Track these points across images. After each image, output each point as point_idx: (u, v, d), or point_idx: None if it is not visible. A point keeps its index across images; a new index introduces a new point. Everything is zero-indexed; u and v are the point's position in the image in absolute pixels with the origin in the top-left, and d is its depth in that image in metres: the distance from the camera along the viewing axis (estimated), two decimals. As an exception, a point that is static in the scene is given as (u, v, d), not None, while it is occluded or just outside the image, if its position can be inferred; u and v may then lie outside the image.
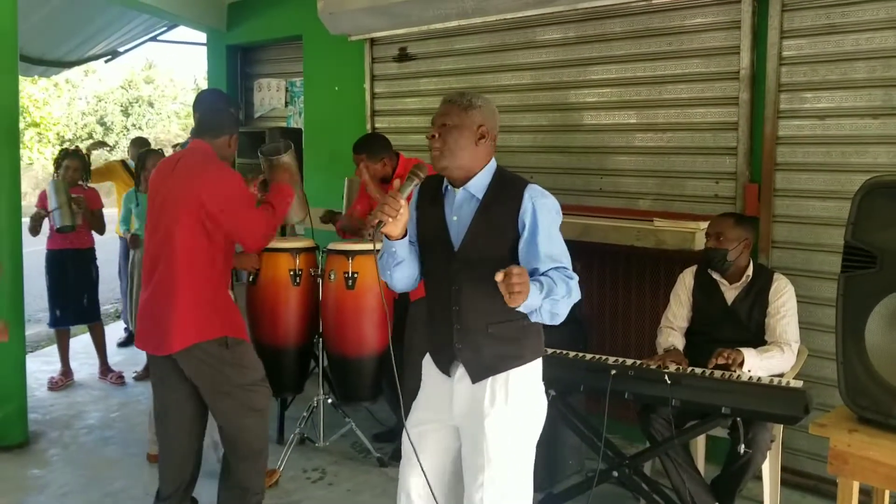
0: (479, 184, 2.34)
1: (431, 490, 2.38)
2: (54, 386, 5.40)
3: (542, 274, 2.22)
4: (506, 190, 2.33)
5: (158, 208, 3.13)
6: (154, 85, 27.16)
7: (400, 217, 2.22)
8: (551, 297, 2.16)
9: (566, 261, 2.28)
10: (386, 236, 2.28)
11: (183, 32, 8.18)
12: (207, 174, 3.08)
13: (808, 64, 3.69)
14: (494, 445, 2.29)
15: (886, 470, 2.21)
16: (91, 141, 7.77)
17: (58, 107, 23.75)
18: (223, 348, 3.07)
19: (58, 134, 23.25)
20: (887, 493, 2.57)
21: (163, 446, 3.32)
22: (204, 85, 26.13)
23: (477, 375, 2.34)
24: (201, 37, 7.33)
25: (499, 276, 2.04)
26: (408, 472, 2.45)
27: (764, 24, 3.78)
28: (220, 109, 3.29)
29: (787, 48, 3.74)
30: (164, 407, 3.27)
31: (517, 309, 2.12)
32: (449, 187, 2.40)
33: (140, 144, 6.47)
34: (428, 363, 2.51)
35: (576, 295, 2.24)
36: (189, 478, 3.31)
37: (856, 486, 2.33)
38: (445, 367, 2.41)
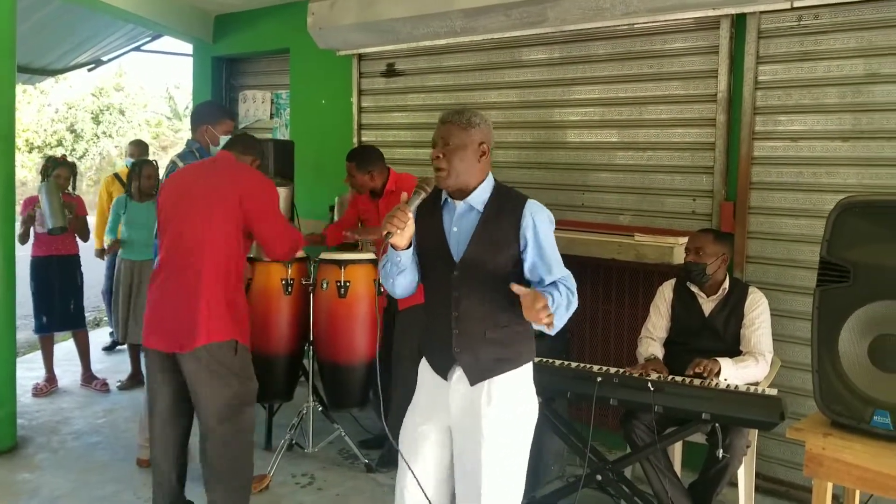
0: (480, 197, 2.47)
1: (426, 496, 2.50)
2: (38, 392, 5.42)
3: (550, 284, 2.39)
4: (507, 204, 2.46)
5: (181, 208, 3.21)
6: (125, 93, 26.90)
7: (407, 229, 2.36)
8: (557, 314, 2.32)
9: (564, 268, 2.45)
10: (392, 246, 2.40)
11: (167, 43, 8.23)
12: (250, 176, 3.29)
13: (783, 88, 3.87)
14: (492, 444, 2.40)
15: (859, 472, 2.36)
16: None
17: (27, 113, 23.42)
18: (232, 354, 3.14)
19: (27, 141, 22.93)
20: (858, 493, 2.73)
21: (153, 449, 3.37)
22: (176, 94, 26.02)
23: (475, 378, 2.45)
24: (185, 47, 7.38)
25: (518, 289, 2.23)
26: (403, 481, 2.55)
27: (741, 49, 3.96)
28: (252, 140, 3.62)
29: (762, 73, 3.92)
30: (154, 406, 3.31)
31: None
32: (448, 199, 2.51)
33: (138, 146, 6.53)
34: (424, 368, 2.61)
35: (574, 305, 2.41)
36: (177, 484, 3.36)
37: (829, 487, 2.48)
38: (443, 372, 2.51)
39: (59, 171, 5.27)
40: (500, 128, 4.90)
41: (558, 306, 2.32)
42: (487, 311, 2.43)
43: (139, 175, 5.24)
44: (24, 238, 5.27)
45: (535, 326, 2.34)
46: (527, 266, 2.43)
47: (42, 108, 24.48)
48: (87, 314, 5.83)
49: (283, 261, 3.72)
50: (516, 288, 2.25)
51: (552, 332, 2.36)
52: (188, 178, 3.32)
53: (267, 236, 3.31)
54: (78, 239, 5.49)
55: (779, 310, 3.79)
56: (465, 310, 2.44)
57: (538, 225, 2.42)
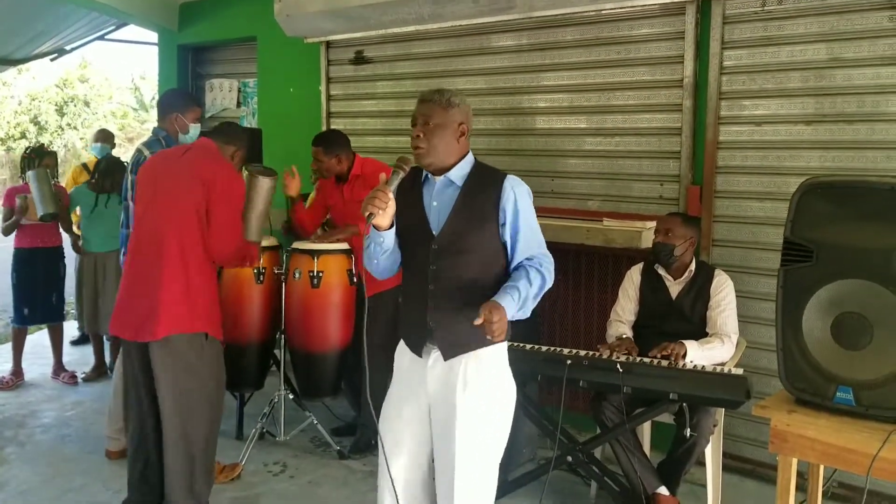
0: (460, 173, 2.48)
1: (397, 498, 2.50)
2: (5, 385, 5.34)
3: (521, 265, 2.44)
4: (486, 179, 2.48)
5: (154, 195, 3.16)
6: (89, 84, 26.50)
7: (389, 209, 2.36)
8: (525, 307, 2.38)
9: (543, 243, 2.50)
10: (375, 227, 2.39)
11: (132, 31, 8.12)
12: (221, 166, 3.23)
13: (747, 73, 3.92)
14: (465, 426, 2.40)
15: (822, 447, 2.42)
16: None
17: (-11, 105, 23.08)
18: (199, 347, 3.11)
19: (-11, 132, 22.57)
20: (822, 468, 2.79)
21: (130, 440, 3.34)
22: (142, 84, 25.65)
23: (448, 353, 2.44)
24: (151, 36, 7.29)
25: (477, 322, 2.26)
26: (386, 473, 2.54)
27: (706, 35, 4.00)
28: (237, 130, 3.58)
29: (727, 58, 3.97)
30: (128, 395, 3.29)
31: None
32: (429, 176, 2.52)
33: (103, 133, 6.46)
34: (401, 349, 2.60)
35: (547, 285, 2.45)
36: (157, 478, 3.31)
37: (794, 462, 2.53)
38: (418, 349, 2.50)
39: (46, 160, 5.28)
40: (470, 115, 4.91)
41: (524, 299, 2.36)
42: (464, 285, 2.43)
43: (107, 172, 5.22)
44: (10, 229, 5.23)
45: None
46: (505, 239, 2.45)
47: (5, 100, 24.08)
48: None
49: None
50: (477, 322, 2.28)
51: (524, 316, 2.42)
52: (160, 166, 3.29)
53: (214, 228, 3.15)
54: (61, 230, 5.45)
55: (744, 291, 3.85)
56: (441, 284, 2.44)
57: (519, 200, 2.43)
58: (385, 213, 2.36)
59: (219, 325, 3.23)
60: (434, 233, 2.45)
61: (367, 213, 2.32)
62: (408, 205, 2.49)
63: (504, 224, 2.44)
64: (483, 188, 2.46)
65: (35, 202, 4.98)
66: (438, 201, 2.48)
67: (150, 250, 3.11)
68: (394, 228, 2.45)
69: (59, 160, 5.50)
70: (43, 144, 5.69)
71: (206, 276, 3.17)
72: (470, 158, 2.52)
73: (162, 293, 3.05)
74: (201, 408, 3.19)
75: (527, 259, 2.45)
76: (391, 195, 2.35)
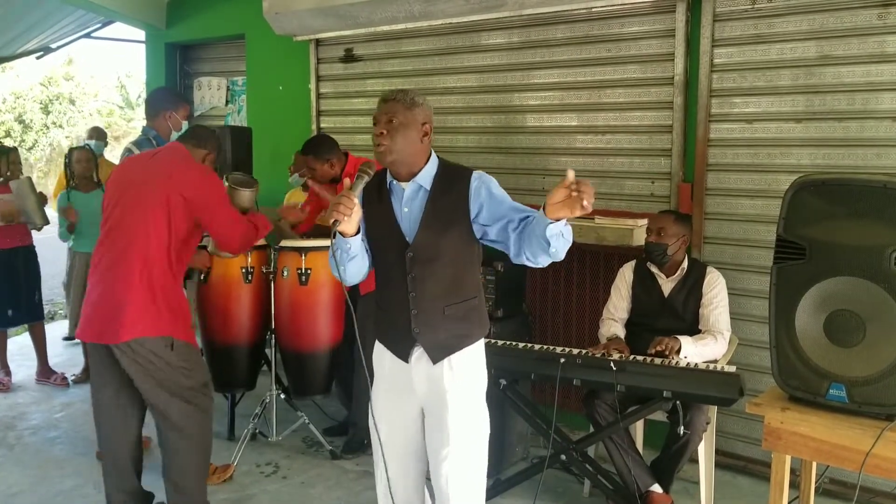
0: (427, 175, 2.44)
1: (391, 496, 2.51)
2: (3, 387, 5.30)
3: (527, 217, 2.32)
4: (452, 179, 2.45)
5: (123, 196, 3.13)
6: (75, 82, 26.33)
7: (354, 215, 2.30)
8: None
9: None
10: (340, 234, 2.34)
11: (118, 29, 8.06)
12: (191, 171, 3.18)
13: (738, 71, 3.93)
14: (456, 418, 2.43)
15: (816, 444, 2.42)
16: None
17: (-27, 104, 22.89)
18: (167, 349, 3.08)
19: (-27, 132, 22.38)
20: (815, 466, 2.80)
21: (100, 442, 3.32)
22: (127, 82, 25.51)
23: (437, 356, 2.45)
24: (138, 34, 7.23)
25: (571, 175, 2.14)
26: (381, 473, 2.54)
27: (696, 33, 4.01)
28: (208, 133, 3.48)
29: (718, 56, 3.97)
30: (99, 401, 3.26)
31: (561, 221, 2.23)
32: (394, 182, 2.48)
33: (96, 131, 6.42)
34: (380, 353, 2.59)
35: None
36: (132, 475, 3.31)
37: (788, 459, 2.54)
38: (403, 354, 2.50)
39: (12, 156, 5.19)
40: (460, 113, 4.91)
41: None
42: (444, 287, 2.43)
43: (70, 162, 5.19)
44: None
45: (548, 236, 2.22)
46: (487, 220, 2.38)
47: (-13, 99, 23.91)
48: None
49: (236, 253, 3.54)
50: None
51: (566, 247, 2.28)
52: (134, 167, 3.26)
53: (215, 230, 3.24)
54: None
55: (735, 289, 3.86)
56: (422, 289, 2.44)
57: (488, 184, 2.41)
58: (351, 220, 2.30)
59: (186, 328, 3.18)
60: (409, 241, 2.43)
61: (332, 221, 2.27)
62: (377, 215, 2.46)
63: (480, 212, 2.39)
64: (450, 189, 2.43)
65: (27, 213, 4.96)
66: (410, 208, 2.45)
67: (119, 254, 3.07)
68: (360, 234, 2.41)
69: (45, 158, 5.46)
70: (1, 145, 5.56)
71: (172, 281, 3.13)
72: (435, 159, 2.48)
73: (128, 296, 3.01)
74: (184, 411, 3.16)
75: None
76: (356, 200, 2.29)
